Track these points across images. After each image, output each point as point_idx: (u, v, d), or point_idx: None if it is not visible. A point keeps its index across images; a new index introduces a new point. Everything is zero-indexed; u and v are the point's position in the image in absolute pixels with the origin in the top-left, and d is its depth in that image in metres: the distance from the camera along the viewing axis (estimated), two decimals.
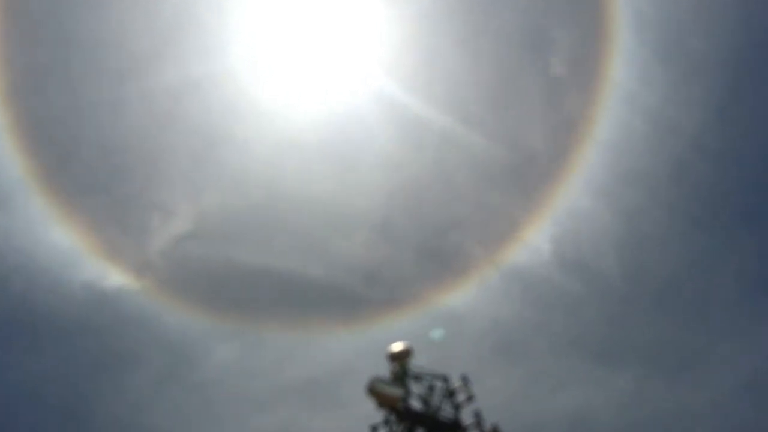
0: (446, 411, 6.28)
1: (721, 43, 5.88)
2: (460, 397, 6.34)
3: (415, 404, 6.39)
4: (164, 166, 5.35)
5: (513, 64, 5.44)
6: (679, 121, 5.58)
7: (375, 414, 6.25)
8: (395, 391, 5.68)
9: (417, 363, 6.68)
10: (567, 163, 6.14)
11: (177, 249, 6.01)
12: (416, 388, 6.48)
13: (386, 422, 5.91)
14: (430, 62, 5.32)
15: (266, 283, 5.97)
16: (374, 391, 5.55)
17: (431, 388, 6.30)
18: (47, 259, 5.85)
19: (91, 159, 5.27)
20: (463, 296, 6.53)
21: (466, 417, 6.85)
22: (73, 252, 5.98)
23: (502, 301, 6.33)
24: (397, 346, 6.30)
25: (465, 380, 6.28)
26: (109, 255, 6.00)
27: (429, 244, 5.79)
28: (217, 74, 5.12)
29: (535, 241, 6.19)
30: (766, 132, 5.74)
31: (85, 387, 6.52)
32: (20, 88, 5.48)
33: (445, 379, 6.38)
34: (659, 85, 5.69)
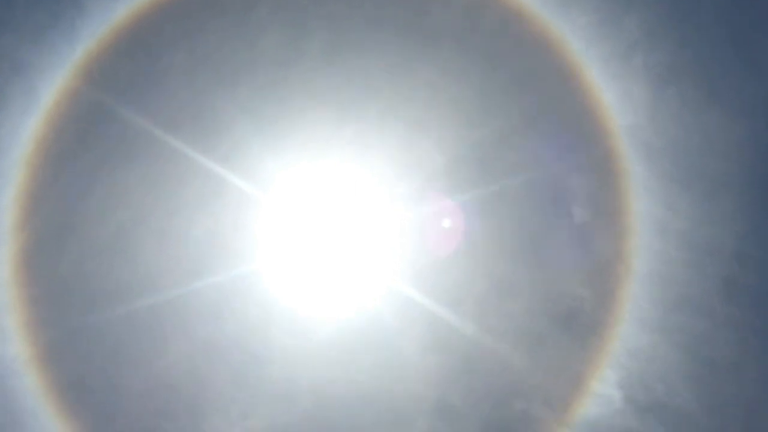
0: None
1: (741, 158, 6.47)
2: None
3: None
4: (209, 396, 5.71)
5: (537, 222, 5.99)
6: (715, 240, 5.91)
7: None
8: None
9: None
10: (613, 304, 6.46)
11: None
12: None
13: None
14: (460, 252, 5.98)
15: None
16: None
17: None
18: None
19: (132, 404, 5.63)
20: None
21: None
22: None
23: None
24: None
25: None
26: None
27: (493, 418, 5.89)
28: (245, 278, 5.74)
29: (602, 391, 6.29)
30: None
31: None
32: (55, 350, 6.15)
33: None
34: (685, 209, 6.12)
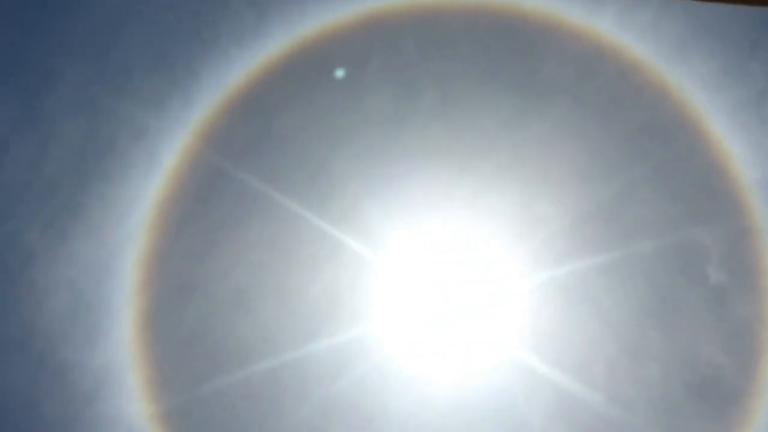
0: None
1: None
2: None
3: None
4: None
5: (670, 283, 5.96)
6: None
7: None
8: None
9: None
10: (756, 371, 6.30)
11: None
12: None
13: None
14: (573, 327, 5.99)
15: None
16: None
17: None
18: None
19: None
20: None
21: None
22: None
23: None
24: None
25: None
26: None
27: None
28: (362, 340, 5.98)
29: None
30: None
31: None
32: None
33: None
34: None
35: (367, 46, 7.58)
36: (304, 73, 7.62)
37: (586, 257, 6.91)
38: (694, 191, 7.07)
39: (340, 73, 7.50)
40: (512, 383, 6.65)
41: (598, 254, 6.90)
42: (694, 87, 7.30)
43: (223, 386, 6.67)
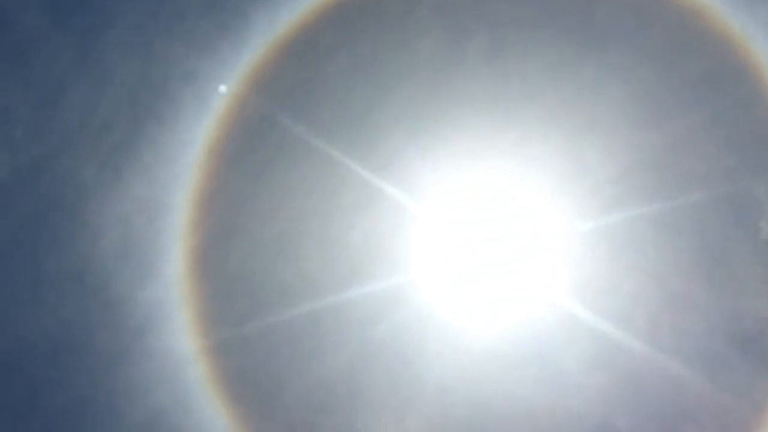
0: None
1: None
2: None
3: None
4: (364, 397, 6.10)
5: (718, 236, 5.81)
6: None
7: None
8: None
9: None
10: None
11: None
12: None
13: None
14: (621, 282, 5.95)
15: None
16: None
17: None
18: None
19: (291, 398, 6.19)
20: None
21: None
22: None
23: None
24: None
25: None
26: None
27: None
28: (402, 287, 6.11)
29: None
30: None
31: None
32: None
33: None
34: None
35: None
36: (352, 19, 7.58)
37: (634, 207, 6.80)
38: (751, 142, 6.86)
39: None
40: (554, 331, 6.66)
41: (647, 204, 6.78)
42: (758, 34, 7.04)
43: (266, 325, 6.87)
